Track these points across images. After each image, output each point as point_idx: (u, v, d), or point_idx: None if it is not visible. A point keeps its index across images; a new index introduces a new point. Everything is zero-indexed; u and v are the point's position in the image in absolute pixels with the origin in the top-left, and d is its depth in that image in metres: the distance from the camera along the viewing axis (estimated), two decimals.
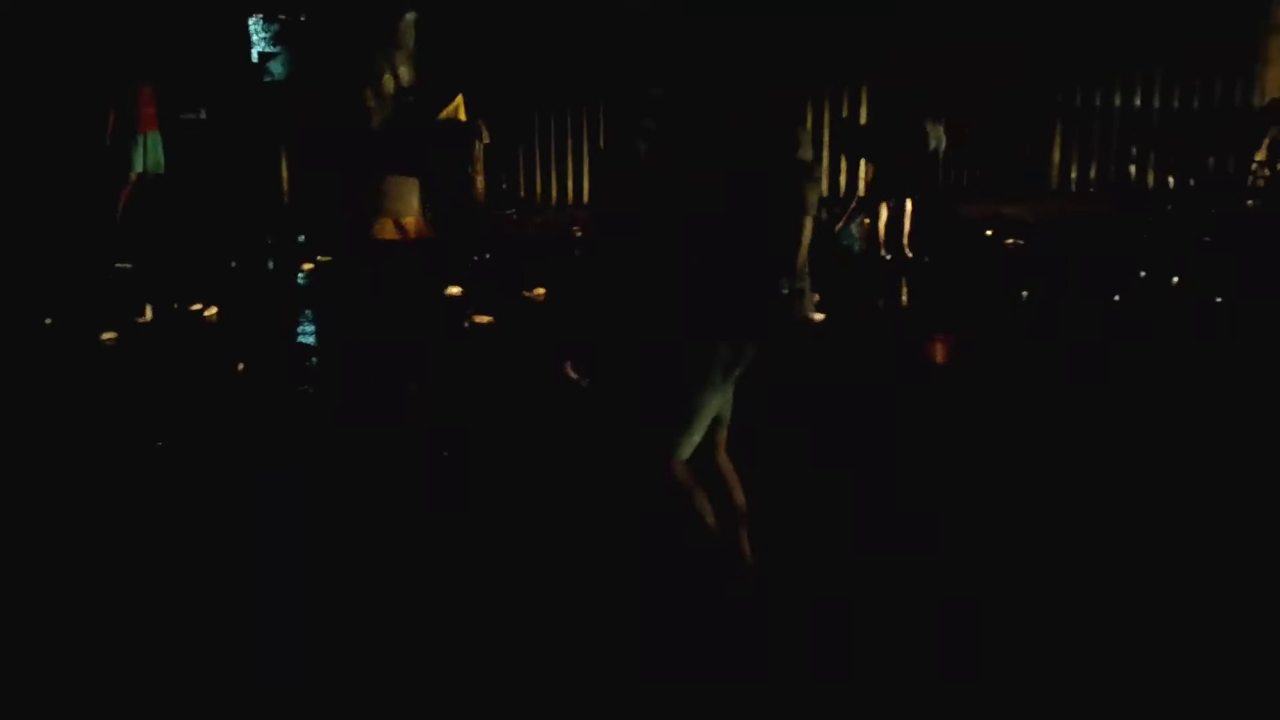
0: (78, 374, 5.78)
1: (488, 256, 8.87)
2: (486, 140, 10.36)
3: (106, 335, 6.36)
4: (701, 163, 2.69)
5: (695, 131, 2.70)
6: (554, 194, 12.67)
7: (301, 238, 9.69)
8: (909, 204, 8.65)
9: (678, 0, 2.94)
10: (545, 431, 4.50)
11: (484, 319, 6.68)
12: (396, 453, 4.42)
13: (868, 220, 8.97)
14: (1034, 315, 6.90)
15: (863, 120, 11.92)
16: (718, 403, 2.82)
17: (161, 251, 8.98)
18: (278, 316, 7.02)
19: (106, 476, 4.23)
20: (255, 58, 10.84)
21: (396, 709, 2.69)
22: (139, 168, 9.85)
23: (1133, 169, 12.82)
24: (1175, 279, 7.65)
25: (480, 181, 9.60)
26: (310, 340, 6.43)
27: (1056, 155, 12.86)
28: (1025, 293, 7.33)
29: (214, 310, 7.01)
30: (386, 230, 3.87)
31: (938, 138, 8.43)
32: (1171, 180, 12.71)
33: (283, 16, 4.56)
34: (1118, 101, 12.72)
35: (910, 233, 8.71)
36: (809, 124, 12.24)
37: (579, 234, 9.79)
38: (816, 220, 2.81)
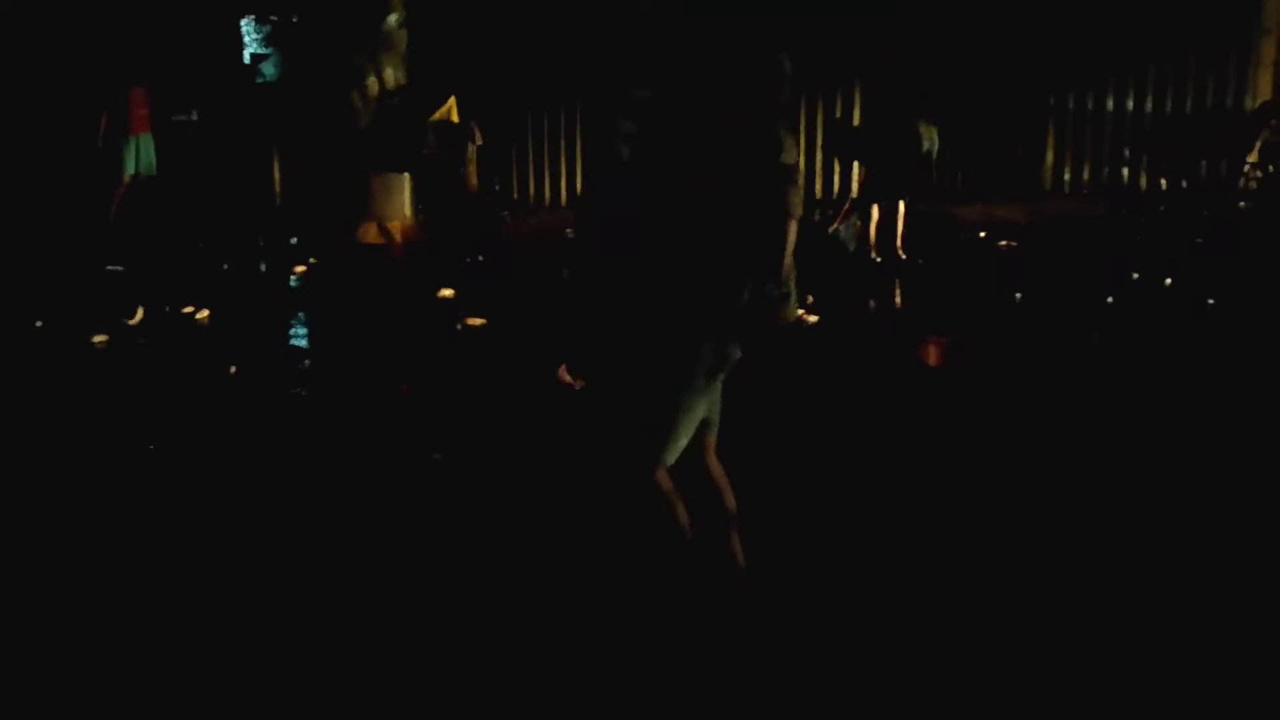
0: (68, 377, 5.75)
1: (480, 258, 8.86)
2: (479, 141, 10.37)
3: (97, 338, 6.34)
4: (684, 165, 2.67)
5: (678, 134, 2.69)
6: (547, 195, 12.65)
7: (294, 240, 9.67)
8: (901, 206, 8.64)
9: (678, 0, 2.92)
10: (537, 434, 4.48)
11: (477, 321, 6.67)
12: (388, 456, 4.41)
13: (859, 222, 8.97)
14: (1027, 317, 6.90)
15: (856, 121, 11.91)
16: (703, 406, 2.81)
17: (153, 254, 8.95)
18: (270, 319, 7.00)
19: (98, 480, 4.21)
20: (247, 59, 10.82)
21: (385, 710, 2.68)
22: (131, 170, 9.83)
23: (1125, 171, 12.83)
24: (1168, 280, 7.66)
25: (473, 178, 9.58)
26: (303, 343, 6.41)
27: (1050, 157, 12.87)
28: (1019, 295, 7.33)
29: (206, 313, 6.99)
30: (370, 234, 3.84)
31: (930, 139, 8.42)
32: (1164, 182, 12.73)
33: (274, 18, 4.53)
34: (1110, 105, 12.74)
35: (903, 234, 8.70)
36: (800, 125, 12.25)
37: (571, 235, 9.77)
38: (800, 223, 2.80)
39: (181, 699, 2.74)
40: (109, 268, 8.48)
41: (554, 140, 12.45)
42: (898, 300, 7.77)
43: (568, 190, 12.56)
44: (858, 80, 12.16)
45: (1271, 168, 11.11)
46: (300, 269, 8.24)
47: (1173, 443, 4.46)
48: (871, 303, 7.60)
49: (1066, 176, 12.92)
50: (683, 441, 2.77)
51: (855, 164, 10.02)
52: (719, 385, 2.89)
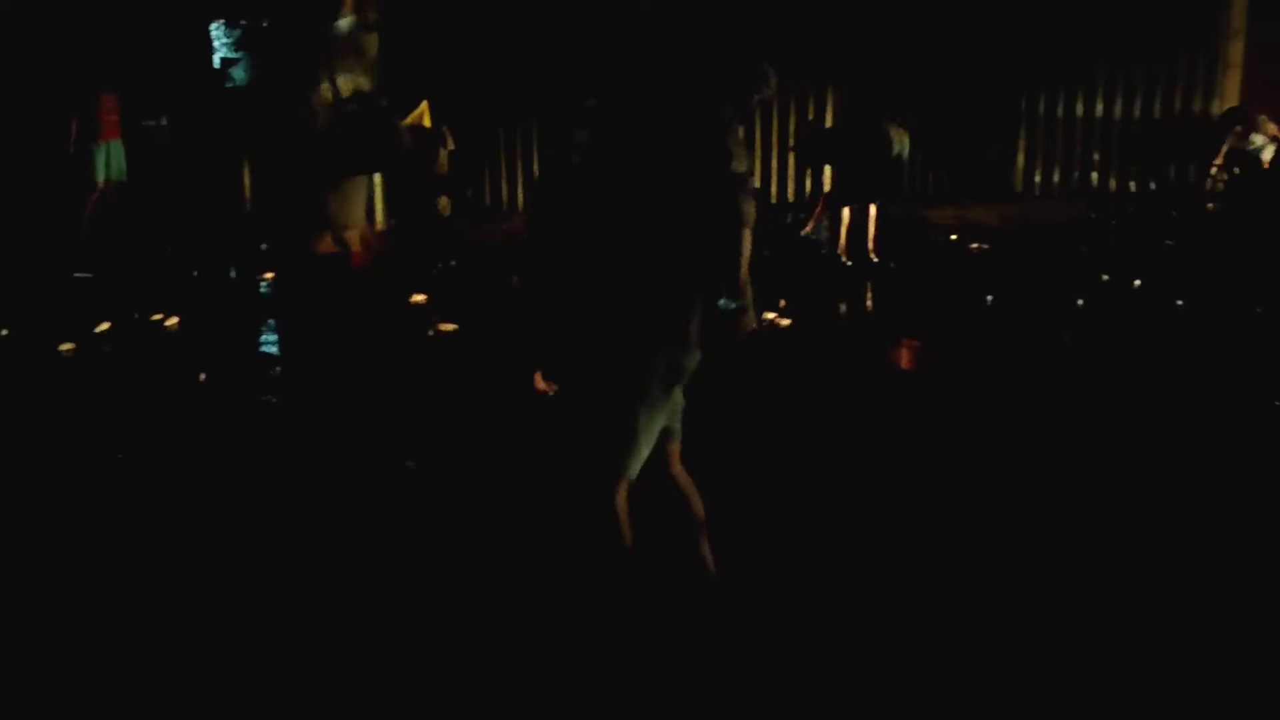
0: (34, 386, 5.69)
1: (453, 263, 8.83)
2: (451, 147, 10.33)
3: (64, 346, 6.27)
4: (634, 176, 2.67)
5: (626, 143, 2.69)
6: (519, 201, 12.62)
7: (264, 246, 9.59)
8: (873, 209, 8.67)
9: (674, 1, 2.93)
10: (510, 441, 4.47)
11: (449, 327, 6.64)
12: (360, 463, 4.38)
13: (829, 226, 9.00)
14: (999, 319, 6.93)
15: (827, 123, 11.95)
16: (662, 417, 2.80)
17: (122, 260, 8.87)
18: (240, 326, 6.95)
19: (64, 490, 4.16)
20: (217, 64, 10.73)
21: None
22: (103, 176, 9.74)
23: (1095, 175, 12.94)
24: (1138, 282, 7.72)
25: (441, 171, 9.49)
26: (273, 350, 6.37)
27: (1020, 160, 12.96)
28: (990, 297, 7.37)
29: (175, 320, 6.93)
30: (325, 244, 3.79)
31: (900, 142, 8.45)
32: (1133, 185, 12.84)
33: (244, 22, 4.49)
34: (1080, 108, 12.85)
35: (875, 237, 8.73)
36: (772, 127, 12.27)
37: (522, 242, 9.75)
38: (755, 232, 2.80)
39: (155, 706, 2.71)
40: (77, 275, 8.40)
41: (526, 146, 12.43)
42: (869, 304, 7.80)
43: None
44: (829, 83, 12.19)
45: (1237, 170, 11.22)
46: (270, 275, 8.18)
47: (1143, 442, 4.50)
48: (843, 306, 7.62)
49: (1037, 179, 13.01)
50: (644, 453, 2.76)
51: (826, 167, 10.02)
52: (679, 395, 2.89)
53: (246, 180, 10.85)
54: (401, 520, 3.83)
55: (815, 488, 4.07)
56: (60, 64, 9.98)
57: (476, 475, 4.24)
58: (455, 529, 3.73)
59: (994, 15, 12.06)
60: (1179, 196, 11.99)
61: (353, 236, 3.79)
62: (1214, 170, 11.58)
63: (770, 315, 6.83)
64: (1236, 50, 12.56)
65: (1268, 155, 11.01)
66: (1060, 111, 12.89)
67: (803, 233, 9.46)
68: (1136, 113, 12.85)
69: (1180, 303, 7.10)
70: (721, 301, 2.75)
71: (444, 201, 10.48)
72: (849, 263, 8.65)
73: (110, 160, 9.76)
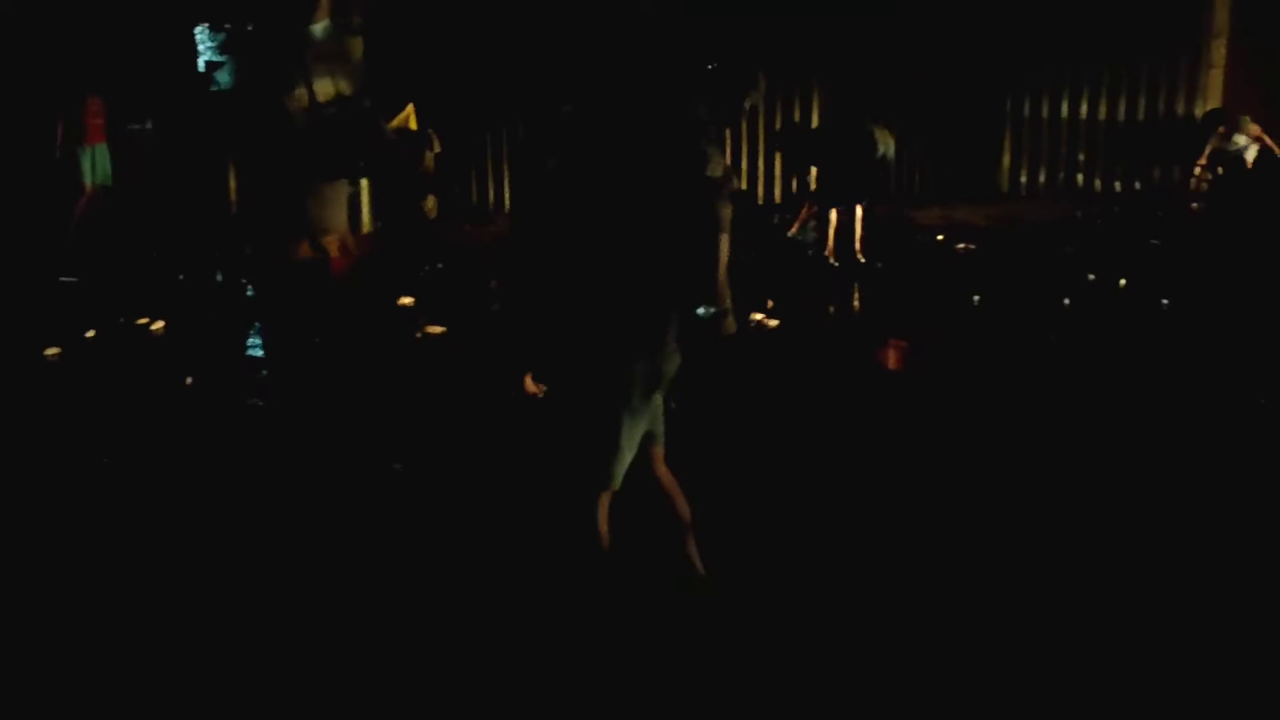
0: (21, 390, 5.66)
1: (440, 266, 8.81)
2: (437, 149, 10.30)
3: (50, 351, 6.24)
4: (610, 181, 2.66)
5: (603, 149, 2.68)
6: (506, 203, 12.60)
7: (249, 250, 9.55)
8: (859, 210, 8.69)
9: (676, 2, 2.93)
10: (496, 443, 4.46)
11: (436, 329, 6.63)
12: (348, 466, 4.37)
13: (816, 227, 9.01)
14: (986, 319, 6.95)
15: (814, 124, 11.97)
16: (643, 424, 2.78)
17: (108, 265, 8.83)
18: (226, 330, 6.92)
19: (51, 494, 4.14)
20: (202, 67, 10.68)
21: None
22: (89, 180, 9.71)
23: (1080, 176, 12.99)
24: (1123, 281, 7.75)
25: (428, 173, 9.46)
26: (259, 354, 6.34)
27: (1006, 160, 13.01)
28: (977, 297, 7.39)
29: (161, 324, 6.90)
30: (303, 250, 3.75)
31: (886, 143, 8.48)
32: (1118, 185, 12.90)
33: (228, 25, 4.47)
34: (1065, 109, 12.90)
35: (861, 238, 8.75)
36: (759, 128, 12.28)
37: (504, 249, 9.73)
38: (732, 237, 2.79)
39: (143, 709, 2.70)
40: (63, 279, 8.36)
41: (513, 148, 12.41)
42: (857, 304, 7.81)
43: None
44: (815, 83, 12.22)
45: (1220, 170, 11.28)
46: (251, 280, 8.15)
47: (1130, 440, 4.51)
48: (831, 307, 7.63)
49: (1023, 179, 13.05)
50: (626, 460, 2.76)
51: (811, 167, 10.03)
52: (659, 399, 2.89)
53: (232, 184, 10.81)
54: (388, 523, 3.82)
55: (803, 488, 4.07)
56: (45, 68, 9.94)
57: (463, 478, 4.23)
58: (442, 532, 3.73)
59: (979, 16, 12.10)
60: (1164, 197, 12.04)
61: (331, 242, 3.75)
62: (1198, 171, 11.64)
63: (758, 316, 6.84)
64: (1219, 51, 12.63)
65: (1251, 155, 11.07)
66: (1045, 112, 12.94)
67: (789, 234, 9.47)
68: (1121, 113, 12.91)
69: (1165, 302, 7.13)
70: (701, 310, 2.74)
71: (430, 203, 10.45)
72: (836, 264, 8.66)
73: (95, 164, 9.73)
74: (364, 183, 9.83)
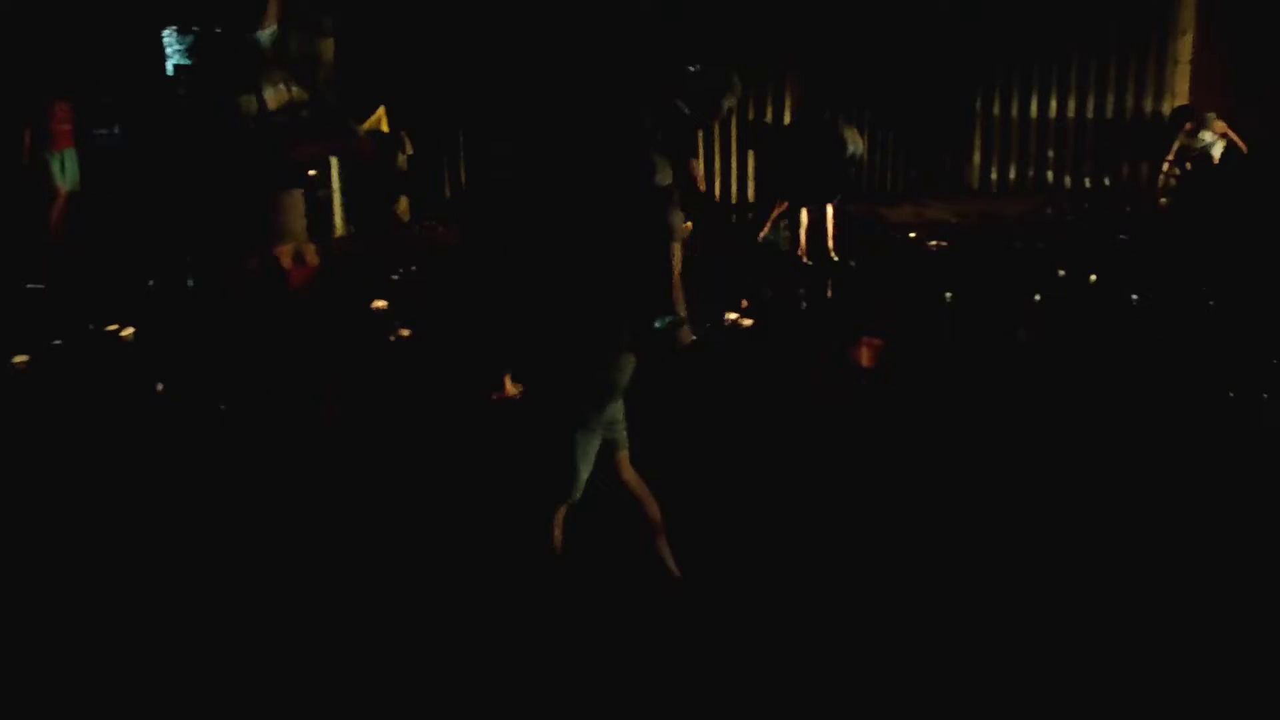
0: None
1: (413, 268, 8.78)
2: (409, 152, 10.28)
3: (18, 359, 6.17)
4: (556, 191, 2.64)
5: (548, 158, 2.66)
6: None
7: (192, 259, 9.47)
8: (830, 208, 8.72)
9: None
10: (471, 444, 4.45)
11: (409, 333, 6.60)
12: (319, 469, 4.35)
13: (788, 227, 9.04)
14: (958, 316, 6.99)
15: (784, 123, 12.02)
16: (596, 437, 2.75)
17: (76, 271, 8.74)
18: (197, 336, 6.86)
19: (21, 502, 4.10)
20: (170, 71, 10.60)
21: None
22: (60, 182, 9.64)
23: (1050, 173, 13.10)
24: (1093, 276, 7.81)
25: (400, 175, 9.43)
26: (232, 359, 6.29)
27: (977, 158, 13.10)
28: (949, 294, 7.42)
29: (130, 330, 6.84)
30: (252, 261, 3.71)
31: (855, 143, 8.52)
32: (1088, 181, 13.02)
33: (196, 29, 4.44)
34: (1034, 107, 13.00)
35: (834, 236, 8.79)
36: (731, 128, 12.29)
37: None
38: (684, 244, 2.76)
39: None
40: (29, 286, 8.27)
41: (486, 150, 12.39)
42: (830, 302, 7.84)
43: None
44: (788, 81, 12.27)
45: (1188, 166, 11.40)
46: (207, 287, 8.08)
47: (1100, 433, 4.55)
48: (804, 305, 7.65)
49: (994, 177, 13.15)
50: (583, 475, 2.74)
51: (778, 167, 10.04)
52: (618, 408, 2.88)
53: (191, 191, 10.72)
54: (361, 525, 3.80)
55: (777, 487, 4.08)
56: (10, 74, 9.84)
57: (437, 478, 4.21)
58: (415, 534, 3.71)
59: (948, 16, 12.18)
60: (1133, 193, 12.16)
61: (284, 252, 3.70)
62: (1166, 167, 11.77)
63: (732, 315, 6.86)
64: (1185, 48, 12.77)
65: (1217, 152, 11.20)
66: (1015, 110, 13.04)
67: (760, 236, 9.50)
68: (1090, 111, 13.03)
69: (1135, 296, 7.19)
70: (657, 322, 2.70)
71: (403, 205, 10.42)
72: (809, 262, 8.69)
73: (65, 170, 9.66)
74: (335, 185, 9.79)
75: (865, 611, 3.13)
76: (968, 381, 5.42)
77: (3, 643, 3.07)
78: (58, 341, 6.55)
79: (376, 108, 9.55)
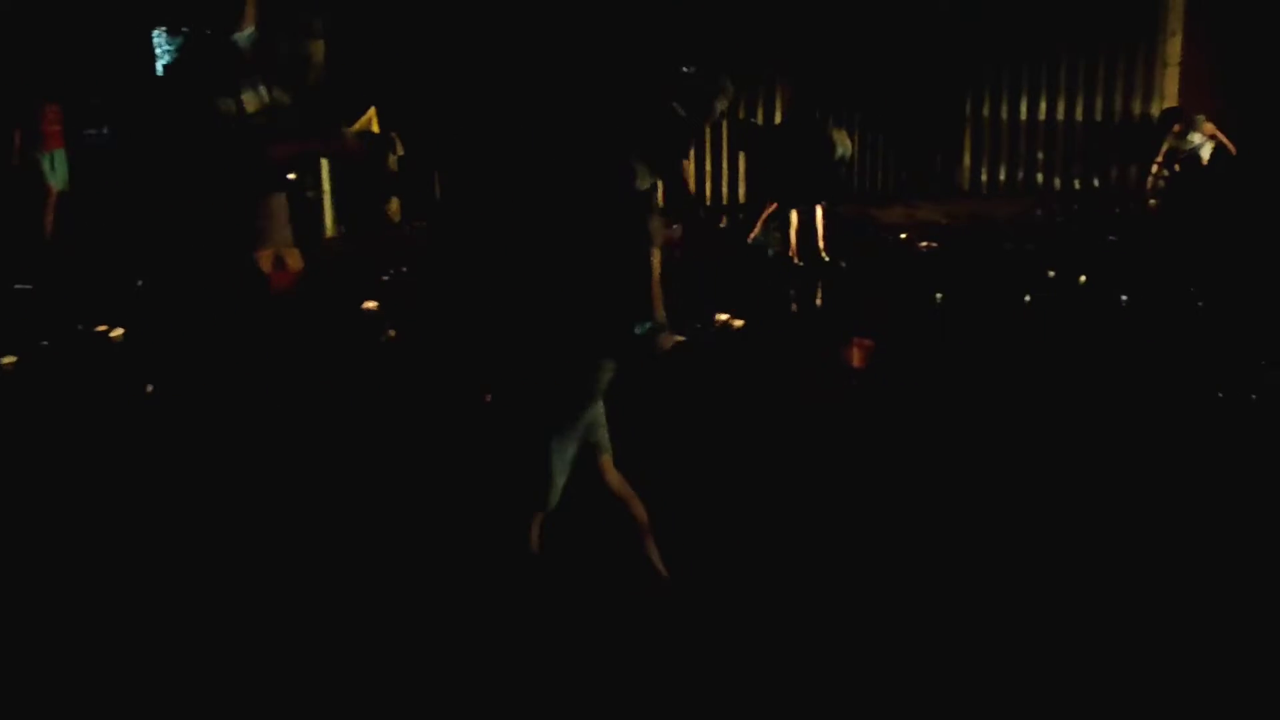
0: None
1: (404, 269, 8.77)
2: (400, 152, 10.23)
3: (6, 360, 6.15)
4: (537, 194, 2.62)
5: (523, 164, 2.64)
6: None
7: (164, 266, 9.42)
8: (819, 209, 8.74)
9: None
10: (460, 445, 4.44)
11: (396, 334, 6.59)
12: (310, 470, 4.33)
13: (778, 230, 9.05)
14: (949, 316, 7.01)
15: (775, 124, 12.04)
16: (574, 445, 2.72)
17: (65, 271, 8.71)
18: (186, 337, 6.83)
19: (8, 503, 4.08)
20: (160, 71, 10.56)
21: None
22: (52, 181, 9.63)
23: (1040, 174, 13.14)
24: (1083, 277, 7.84)
25: (390, 176, 9.42)
26: (221, 360, 6.26)
27: (967, 159, 13.15)
28: (939, 295, 7.44)
29: (120, 331, 6.82)
30: (229, 267, 3.66)
31: (844, 145, 8.54)
32: (1077, 182, 13.07)
33: (186, 29, 4.41)
34: (1024, 109, 13.05)
35: (825, 236, 8.81)
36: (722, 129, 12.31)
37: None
38: (662, 250, 2.73)
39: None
40: (17, 287, 8.25)
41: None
42: (821, 303, 7.85)
43: None
44: (777, 84, 12.29)
45: (1177, 168, 11.45)
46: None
47: (1090, 433, 4.56)
48: (795, 306, 7.66)
49: (984, 178, 13.20)
50: (559, 483, 2.71)
51: (767, 168, 10.06)
52: (597, 412, 2.86)
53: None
54: (343, 528, 3.79)
55: (766, 488, 4.08)
56: (1, 74, 9.82)
57: (425, 481, 4.20)
58: (400, 534, 3.70)
59: (948, 16, 12.22)
60: (1122, 194, 12.20)
61: (265, 258, 3.65)
62: (1154, 169, 11.82)
63: (723, 316, 6.86)
64: (1174, 49, 12.82)
65: (1206, 154, 11.25)
66: (1005, 112, 13.09)
67: (749, 238, 9.51)
68: (1079, 113, 13.08)
69: (1124, 297, 7.21)
70: (636, 328, 2.67)
71: (394, 206, 10.41)
72: (800, 263, 8.70)
73: (55, 170, 9.65)
74: (326, 186, 9.78)
75: (855, 611, 3.13)
76: (958, 382, 5.42)
77: None
78: (46, 342, 6.53)
79: (367, 109, 9.55)
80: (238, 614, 3.18)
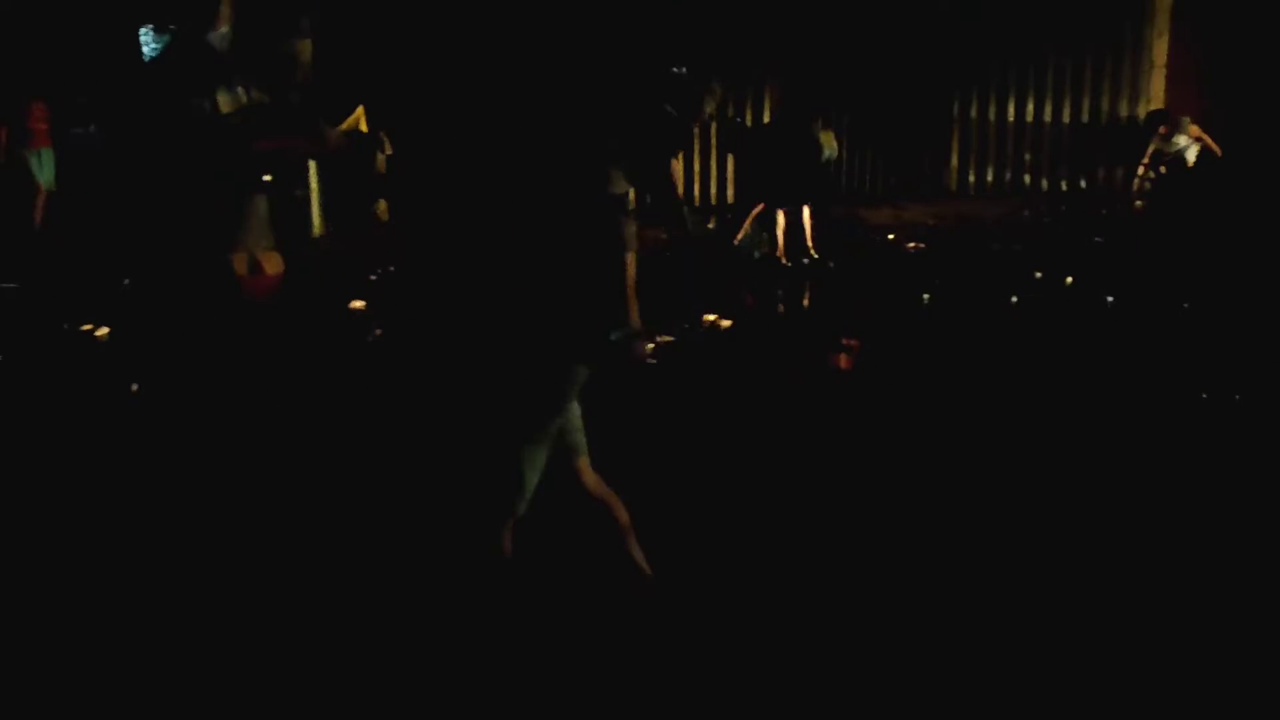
0: None
1: (392, 269, 8.75)
2: (388, 151, 10.22)
3: None
4: (510, 198, 2.61)
5: (493, 167, 2.61)
6: None
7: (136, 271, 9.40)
8: (806, 209, 8.76)
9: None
10: (449, 446, 4.43)
11: (381, 331, 6.59)
12: (298, 471, 4.32)
13: (765, 232, 9.07)
14: (936, 317, 7.02)
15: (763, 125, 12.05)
16: (545, 450, 2.68)
17: (50, 270, 8.68)
18: (173, 336, 6.80)
19: None
20: (139, 69, 10.50)
21: None
22: (40, 178, 9.61)
23: (1027, 175, 13.19)
24: (1070, 278, 7.86)
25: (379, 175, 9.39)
26: (207, 358, 6.23)
27: (955, 161, 13.18)
28: (927, 295, 7.46)
29: (105, 330, 6.79)
30: (201, 270, 3.62)
31: (830, 146, 8.56)
32: (1064, 184, 13.12)
33: (173, 27, 4.39)
34: (1011, 110, 13.09)
35: (813, 234, 8.83)
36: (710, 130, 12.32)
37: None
38: (636, 255, 2.71)
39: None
40: (2, 285, 8.21)
41: None
42: (809, 304, 7.86)
43: None
44: (766, 86, 12.31)
45: (1162, 169, 11.50)
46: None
47: (1074, 434, 4.57)
48: (782, 307, 7.67)
49: (971, 179, 13.23)
50: (531, 486, 2.67)
51: (754, 169, 10.07)
52: (576, 414, 2.84)
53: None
54: (322, 528, 3.78)
55: (752, 487, 4.08)
56: None
57: (414, 480, 4.19)
58: (389, 533, 3.69)
59: (927, 20, 12.25)
60: (1108, 196, 12.24)
61: (239, 260, 3.62)
62: (1140, 170, 11.87)
63: (711, 316, 6.87)
64: (1161, 51, 12.88)
65: (1191, 155, 11.30)
66: (993, 114, 13.13)
67: (734, 241, 9.51)
68: (1066, 115, 13.14)
69: (1110, 299, 7.24)
70: (612, 335, 2.65)
71: (382, 206, 10.38)
72: (788, 264, 8.72)
73: (42, 168, 9.64)
74: (313, 186, 9.76)
75: (840, 610, 3.13)
76: (945, 382, 5.44)
77: None
78: (32, 341, 6.51)
79: (356, 107, 9.51)
80: (218, 614, 3.17)
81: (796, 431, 4.72)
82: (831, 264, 8.74)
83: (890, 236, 10.15)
